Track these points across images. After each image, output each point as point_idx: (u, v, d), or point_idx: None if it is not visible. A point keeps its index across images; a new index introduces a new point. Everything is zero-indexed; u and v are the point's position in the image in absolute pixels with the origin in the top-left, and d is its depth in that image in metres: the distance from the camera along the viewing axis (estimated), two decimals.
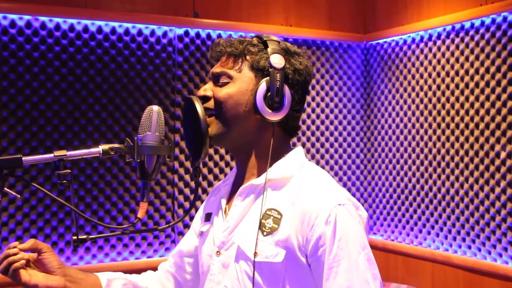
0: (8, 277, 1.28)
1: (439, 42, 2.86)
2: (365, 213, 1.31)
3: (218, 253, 1.35)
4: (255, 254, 1.26)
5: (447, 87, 2.81)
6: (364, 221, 1.29)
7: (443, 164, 2.83)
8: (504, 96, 2.54)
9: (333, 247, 1.21)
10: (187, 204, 2.82)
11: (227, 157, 2.94)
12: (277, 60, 1.30)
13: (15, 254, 1.28)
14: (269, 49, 1.32)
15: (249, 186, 1.34)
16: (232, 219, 1.34)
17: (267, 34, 1.39)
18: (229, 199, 1.41)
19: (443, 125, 2.83)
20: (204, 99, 1.35)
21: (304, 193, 1.27)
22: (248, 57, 1.33)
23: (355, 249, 1.22)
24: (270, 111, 1.30)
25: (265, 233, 1.27)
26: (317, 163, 3.19)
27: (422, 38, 2.96)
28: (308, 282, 1.26)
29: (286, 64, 1.32)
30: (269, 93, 1.29)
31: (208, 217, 1.46)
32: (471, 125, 2.69)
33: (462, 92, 2.74)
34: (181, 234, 2.83)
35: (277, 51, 1.32)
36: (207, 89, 1.36)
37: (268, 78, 1.30)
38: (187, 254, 1.56)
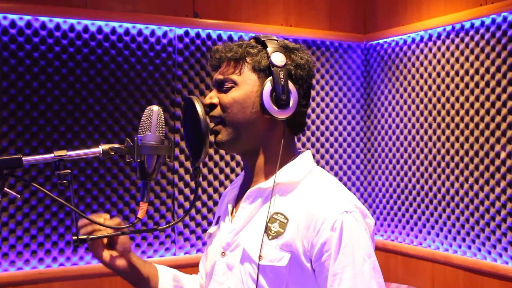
0: (86, 240, 1.33)
1: (439, 42, 2.86)
2: (373, 221, 1.31)
3: (223, 253, 1.35)
4: (260, 257, 1.26)
5: (447, 87, 2.81)
6: (371, 229, 1.29)
7: (443, 164, 2.83)
8: (504, 96, 2.54)
9: (338, 253, 1.21)
10: (187, 204, 2.82)
11: (227, 157, 2.94)
12: (278, 58, 1.30)
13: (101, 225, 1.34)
14: (268, 49, 1.32)
15: (256, 190, 1.34)
16: (238, 221, 1.34)
17: (264, 34, 1.39)
18: (237, 202, 1.41)
19: (443, 125, 2.83)
20: (211, 107, 1.34)
21: (311, 199, 1.27)
22: (248, 60, 1.33)
23: (360, 256, 1.22)
24: (279, 109, 1.30)
25: (270, 237, 1.27)
26: (317, 163, 3.19)
27: (422, 38, 2.96)
28: (312, 287, 1.26)
29: (288, 61, 1.32)
30: (275, 92, 1.29)
31: (218, 221, 1.47)
32: (471, 125, 2.69)
33: (462, 92, 2.74)
34: (181, 234, 2.83)
35: (277, 50, 1.32)
36: (212, 96, 1.35)
37: (271, 77, 1.30)
38: None
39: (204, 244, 2.84)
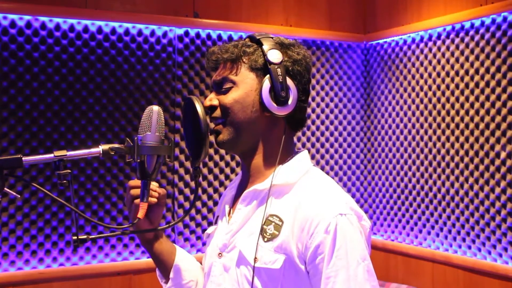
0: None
1: (439, 42, 2.86)
2: (368, 223, 1.29)
3: (220, 255, 1.35)
4: (255, 259, 1.26)
5: (447, 87, 2.81)
6: (367, 232, 1.28)
7: (443, 164, 2.83)
8: (504, 96, 2.54)
9: (332, 256, 1.20)
10: (187, 204, 2.82)
11: (227, 157, 2.94)
12: (275, 55, 1.31)
13: (153, 190, 1.39)
14: (264, 47, 1.32)
15: (252, 191, 1.34)
16: (235, 222, 1.34)
17: (259, 32, 1.39)
18: (234, 202, 1.41)
19: (443, 125, 2.83)
20: (211, 109, 1.35)
21: (306, 201, 1.27)
22: (245, 59, 1.33)
23: (354, 259, 1.21)
24: (278, 106, 1.30)
25: (265, 239, 1.27)
26: (317, 163, 3.19)
27: (422, 38, 2.96)
28: None
29: (284, 57, 1.33)
30: (274, 89, 1.29)
31: (216, 220, 1.47)
32: (471, 125, 2.69)
33: (462, 92, 2.74)
34: (181, 234, 2.83)
35: (272, 47, 1.32)
36: (212, 98, 1.35)
37: (269, 75, 1.30)
38: None
39: (204, 244, 2.84)
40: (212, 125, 1.35)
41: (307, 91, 1.37)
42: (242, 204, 1.35)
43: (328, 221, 1.22)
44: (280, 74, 1.30)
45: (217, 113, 1.34)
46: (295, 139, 3.10)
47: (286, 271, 1.24)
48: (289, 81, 1.31)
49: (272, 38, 1.35)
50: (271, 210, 1.30)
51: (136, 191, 1.36)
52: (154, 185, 1.39)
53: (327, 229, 1.21)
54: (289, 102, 1.30)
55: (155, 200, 1.40)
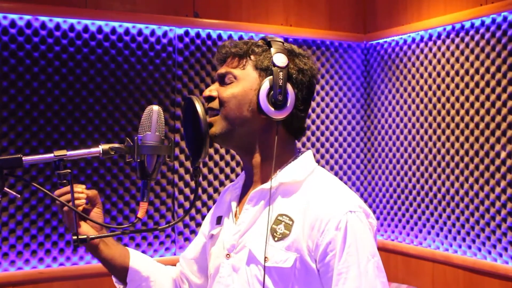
0: (60, 208, 1.33)
1: (439, 42, 2.86)
2: (375, 221, 1.31)
3: (228, 256, 1.35)
4: (266, 258, 1.26)
5: (447, 87, 2.81)
6: (374, 229, 1.29)
7: (443, 164, 2.83)
8: (504, 96, 2.54)
9: (343, 253, 1.21)
10: (187, 204, 2.82)
11: (227, 157, 2.94)
12: (280, 59, 1.31)
13: (80, 193, 1.34)
14: (272, 49, 1.33)
15: (260, 191, 1.34)
16: (243, 223, 1.34)
17: (272, 35, 1.40)
18: (239, 202, 1.41)
19: (443, 125, 2.83)
20: (209, 99, 1.35)
21: (315, 199, 1.28)
22: (252, 57, 1.34)
23: (364, 256, 1.22)
24: (273, 109, 1.30)
25: (276, 239, 1.27)
26: (317, 163, 3.19)
27: (422, 38, 2.96)
28: (317, 287, 1.26)
29: (290, 63, 1.33)
30: (272, 92, 1.29)
31: (219, 220, 1.46)
32: (471, 125, 2.69)
33: (462, 92, 2.74)
34: (181, 234, 2.83)
35: (280, 51, 1.32)
36: (212, 89, 1.36)
37: (271, 77, 1.30)
38: (195, 258, 1.57)
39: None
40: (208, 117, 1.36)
41: (307, 102, 1.37)
42: (249, 204, 1.35)
43: (339, 219, 1.23)
44: (281, 78, 1.30)
45: (215, 104, 1.34)
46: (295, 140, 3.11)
47: (297, 269, 1.25)
48: (289, 87, 1.31)
49: (283, 43, 1.36)
50: (280, 210, 1.30)
51: (66, 197, 1.31)
52: (80, 187, 1.35)
53: (338, 226, 1.22)
54: (285, 107, 1.30)
55: (83, 202, 1.35)
